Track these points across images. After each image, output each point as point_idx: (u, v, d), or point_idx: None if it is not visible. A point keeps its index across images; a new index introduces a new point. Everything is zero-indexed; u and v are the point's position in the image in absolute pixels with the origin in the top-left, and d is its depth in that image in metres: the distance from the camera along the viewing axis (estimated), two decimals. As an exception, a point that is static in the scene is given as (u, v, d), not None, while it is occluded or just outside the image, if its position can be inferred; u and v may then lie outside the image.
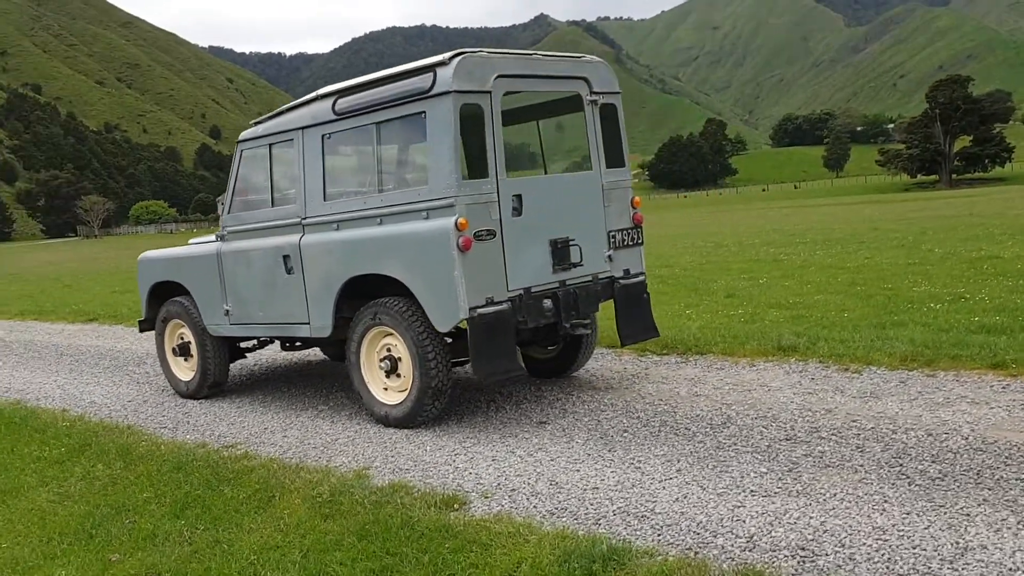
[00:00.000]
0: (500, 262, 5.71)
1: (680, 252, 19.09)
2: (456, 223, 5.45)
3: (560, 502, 4.48)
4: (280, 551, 4.33)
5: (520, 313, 5.81)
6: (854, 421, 5.30)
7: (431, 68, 5.64)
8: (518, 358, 5.78)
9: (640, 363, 7.47)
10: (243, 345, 7.96)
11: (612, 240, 6.47)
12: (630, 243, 6.60)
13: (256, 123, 6.96)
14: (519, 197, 5.86)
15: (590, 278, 6.31)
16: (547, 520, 4.26)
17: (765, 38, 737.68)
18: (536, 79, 6.09)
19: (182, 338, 7.77)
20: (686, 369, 7.08)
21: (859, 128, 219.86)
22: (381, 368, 6.11)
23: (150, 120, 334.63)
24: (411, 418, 5.99)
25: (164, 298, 7.93)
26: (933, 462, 4.51)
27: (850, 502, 4.11)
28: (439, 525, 4.27)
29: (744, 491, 4.38)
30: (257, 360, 9.39)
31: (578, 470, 4.93)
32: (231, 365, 8.09)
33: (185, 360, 7.79)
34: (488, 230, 5.65)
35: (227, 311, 7.13)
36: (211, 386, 7.58)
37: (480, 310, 5.56)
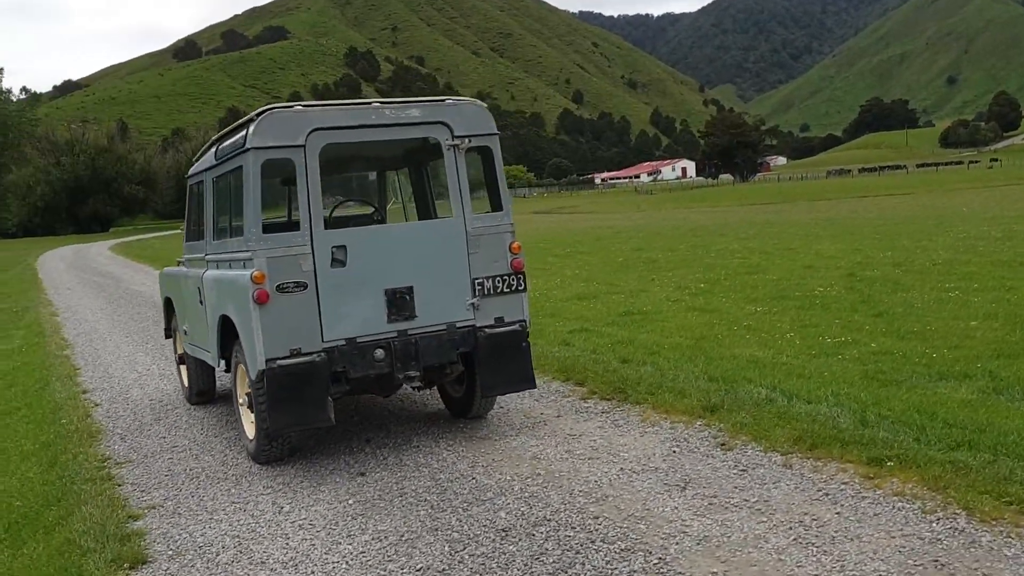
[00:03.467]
0: (313, 313, 5.76)
1: (948, 244, 16.62)
2: (251, 276, 5.59)
3: (212, 574, 4.54)
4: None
5: (340, 363, 5.83)
6: (596, 518, 4.75)
7: (247, 124, 5.80)
8: (327, 408, 5.79)
9: (565, 407, 7.07)
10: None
11: (479, 288, 6.21)
12: (505, 290, 6.29)
13: (195, 159, 7.50)
14: (343, 248, 5.85)
15: (443, 327, 6.13)
16: (167, 595, 4.36)
17: None
18: (373, 129, 5.99)
19: (184, 348, 8.57)
20: (589, 423, 6.61)
21: None
22: (241, 404, 6.42)
23: (518, 88, 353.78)
24: (258, 455, 6.24)
25: None
26: (570, 589, 3.99)
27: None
28: (90, 584, 4.53)
29: (361, 592, 4.17)
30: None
31: (287, 537, 4.92)
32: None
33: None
34: (297, 282, 5.71)
35: (185, 331, 7.79)
36: (197, 394, 8.29)
37: (280, 361, 5.66)
